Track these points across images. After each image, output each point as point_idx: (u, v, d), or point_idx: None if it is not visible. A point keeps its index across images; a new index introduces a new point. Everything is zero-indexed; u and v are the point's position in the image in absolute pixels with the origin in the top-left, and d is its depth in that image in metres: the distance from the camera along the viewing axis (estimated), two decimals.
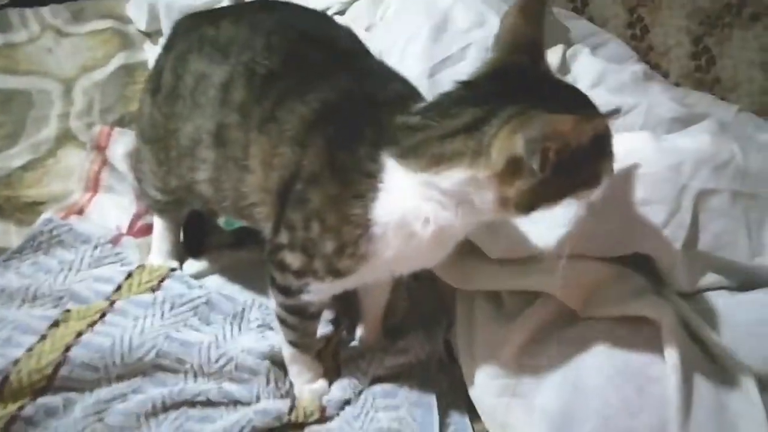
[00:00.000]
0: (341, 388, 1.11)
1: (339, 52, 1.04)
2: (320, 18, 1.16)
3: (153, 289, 1.20)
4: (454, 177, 0.81)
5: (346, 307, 1.22)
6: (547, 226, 1.05)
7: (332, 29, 1.11)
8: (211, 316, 1.18)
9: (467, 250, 1.10)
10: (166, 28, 1.66)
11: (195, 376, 1.08)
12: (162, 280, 1.22)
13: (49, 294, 1.16)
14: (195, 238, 1.35)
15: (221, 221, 1.37)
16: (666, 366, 0.96)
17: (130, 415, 1.02)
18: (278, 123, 0.95)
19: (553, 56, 1.33)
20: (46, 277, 1.20)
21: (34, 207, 1.39)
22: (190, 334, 1.12)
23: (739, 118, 1.39)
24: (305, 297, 1.00)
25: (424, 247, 0.89)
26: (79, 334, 1.07)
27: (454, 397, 1.14)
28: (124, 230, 1.35)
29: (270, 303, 1.08)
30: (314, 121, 0.94)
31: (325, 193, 0.91)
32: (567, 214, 1.03)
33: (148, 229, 1.33)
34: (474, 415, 1.11)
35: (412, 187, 0.85)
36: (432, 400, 1.11)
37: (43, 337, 1.07)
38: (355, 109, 0.94)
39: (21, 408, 0.99)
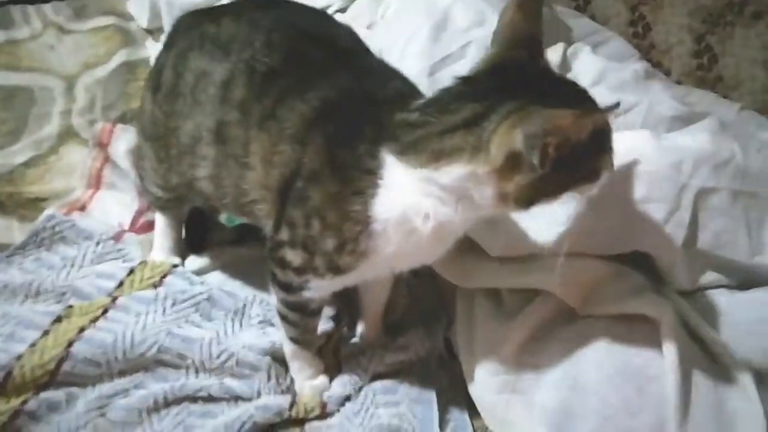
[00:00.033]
0: (342, 384, 1.11)
1: (339, 50, 1.04)
2: (320, 16, 1.16)
3: (155, 286, 1.20)
4: (453, 172, 0.81)
5: (347, 303, 1.23)
6: (546, 224, 1.05)
7: (332, 27, 1.11)
8: (212, 313, 1.18)
9: (467, 248, 1.10)
10: (168, 25, 1.66)
11: (196, 371, 1.09)
12: (164, 277, 1.22)
13: (51, 290, 1.16)
14: (197, 234, 1.35)
15: (223, 218, 1.38)
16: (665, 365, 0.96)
17: (132, 410, 1.02)
18: (278, 120, 0.95)
19: (553, 54, 1.33)
20: (49, 273, 1.21)
21: (36, 203, 1.39)
22: (191, 330, 1.13)
23: (741, 117, 1.39)
24: (306, 294, 1.00)
25: (424, 243, 0.89)
26: (82, 330, 1.08)
27: (454, 393, 1.14)
28: (126, 227, 1.36)
29: (271, 299, 1.08)
30: (314, 118, 0.94)
31: (326, 190, 0.91)
32: (566, 212, 1.03)
33: (150, 226, 1.34)
34: (474, 412, 1.12)
35: (411, 184, 0.85)
36: (432, 396, 1.11)
37: (46, 333, 1.07)
38: (355, 106, 0.94)
39: (24, 402, 1.00)
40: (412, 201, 0.86)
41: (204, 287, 1.22)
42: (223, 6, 1.23)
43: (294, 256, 0.97)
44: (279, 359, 1.12)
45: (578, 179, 0.84)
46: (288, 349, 1.10)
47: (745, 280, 1.07)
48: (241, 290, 1.25)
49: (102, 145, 1.47)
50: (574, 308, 1.08)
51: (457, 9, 1.38)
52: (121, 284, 1.20)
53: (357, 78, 0.98)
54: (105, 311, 1.12)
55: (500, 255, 1.11)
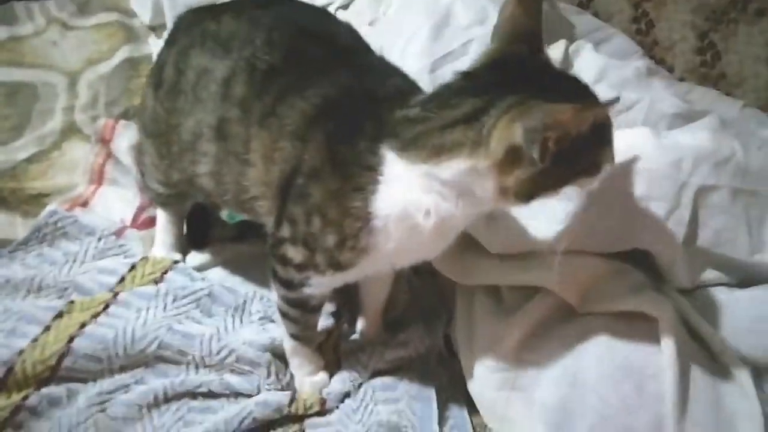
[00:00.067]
0: (341, 380, 1.11)
1: (339, 47, 1.04)
2: (320, 14, 1.16)
3: (156, 281, 1.21)
4: (454, 167, 0.81)
5: (347, 300, 1.23)
6: (546, 221, 1.05)
7: (332, 25, 1.11)
8: (213, 309, 1.19)
9: (467, 245, 1.10)
10: (171, 21, 1.67)
11: (196, 367, 1.09)
12: (165, 273, 1.23)
13: (53, 285, 1.17)
14: (198, 230, 1.35)
15: (224, 214, 1.38)
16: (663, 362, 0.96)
17: (132, 405, 1.03)
18: (279, 118, 0.96)
19: (555, 52, 1.33)
20: (51, 269, 1.21)
21: (39, 199, 1.40)
22: (192, 326, 1.13)
23: (743, 114, 1.38)
24: (307, 290, 1.01)
25: (425, 238, 0.89)
26: (83, 326, 1.08)
27: (454, 390, 1.14)
28: (128, 223, 1.36)
29: (271, 296, 1.08)
30: (314, 116, 0.94)
31: (326, 187, 0.91)
32: (566, 210, 1.03)
33: (151, 222, 1.34)
34: (473, 409, 1.12)
35: (412, 180, 0.85)
36: (431, 393, 1.11)
37: (48, 328, 1.08)
38: (355, 104, 0.94)
39: (25, 398, 1.00)
40: (412, 197, 0.86)
41: (205, 283, 1.22)
42: (224, 3, 1.23)
43: (295, 253, 0.97)
44: (279, 355, 1.12)
45: (578, 173, 0.83)
46: (288, 345, 1.10)
47: (744, 278, 1.07)
48: (241, 286, 1.25)
49: (104, 141, 1.47)
50: (573, 306, 1.07)
51: (458, 6, 1.38)
52: (122, 280, 1.21)
53: (357, 75, 0.98)
54: (106, 307, 1.13)
55: (500, 252, 1.11)
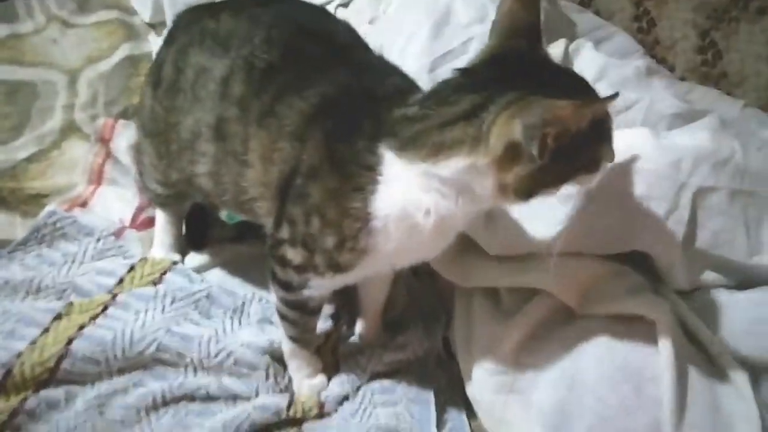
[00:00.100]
0: (340, 383, 1.11)
1: (337, 46, 1.04)
2: (319, 12, 1.16)
3: (155, 283, 1.21)
4: (454, 165, 0.81)
5: (346, 302, 1.23)
6: (545, 223, 1.05)
7: (331, 24, 1.11)
8: (211, 310, 1.18)
9: (466, 247, 1.10)
10: (171, 19, 1.66)
11: (195, 370, 1.09)
12: (164, 273, 1.23)
13: (52, 286, 1.17)
14: (197, 231, 1.35)
15: (223, 215, 1.38)
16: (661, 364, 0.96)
17: (131, 408, 1.03)
18: (277, 117, 0.95)
19: (555, 50, 1.33)
20: (50, 270, 1.21)
21: (38, 199, 1.40)
22: (190, 328, 1.13)
23: (744, 114, 1.38)
24: (306, 292, 1.01)
25: (425, 238, 0.89)
26: (82, 327, 1.08)
27: (452, 393, 1.14)
28: (127, 223, 1.36)
29: (270, 297, 1.08)
30: (313, 115, 0.94)
31: (325, 187, 0.91)
32: (565, 211, 1.03)
33: (150, 222, 1.34)
34: (471, 412, 1.12)
35: (411, 179, 0.85)
36: (430, 396, 1.11)
37: (46, 330, 1.08)
38: (354, 103, 0.93)
39: (23, 401, 1.00)
40: (412, 196, 0.86)
41: (203, 285, 1.22)
42: (223, 2, 1.22)
43: (294, 254, 0.97)
44: (277, 358, 1.12)
45: (578, 170, 0.83)
46: (287, 347, 1.10)
47: (743, 279, 1.07)
48: (240, 288, 1.25)
49: (104, 141, 1.47)
50: (572, 307, 1.07)
51: (458, 5, 1.37)
52: (121, 281, 1.21)
53: (355, 74, 0.97)
54: (105, 308, 1.13)
55: (499, 254, 1.10)
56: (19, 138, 1.54)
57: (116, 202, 1.40)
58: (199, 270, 1.28)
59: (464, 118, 0.80)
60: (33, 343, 1.05)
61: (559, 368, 1.03)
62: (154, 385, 1.06)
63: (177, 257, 1.29)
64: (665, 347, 0.97)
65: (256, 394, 1.08)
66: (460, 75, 0.87)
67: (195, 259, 1.31)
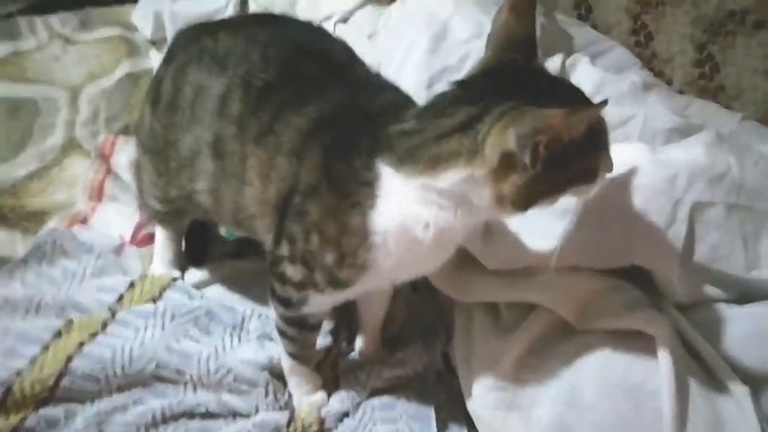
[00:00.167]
0: (340, 400, 1.11)
1: (334, 64, 1.04)
2: (315, 31, 1.16)
3: (154, 299, 1.21)
4: (451, 177, 0.81)
5: (346, 317, 1.23)
6: (543, 238, 1.05)
7: (327, 42, 1.12)
8: (211, 326, 1.18)
9: (465, 262, 1.10)
10: (171, 36, 1.67)
11: (194, 387, 1.09)
12: (163, 290, 1.23)
13: (52, 304, 1.17)
14: (197, 247, 1.36)
15: (223, 230, 1.38)
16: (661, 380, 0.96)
17: (130, 426, 1.03)
18: (275, 135, 0.96)
19: (552, 65, 1.33)
20: (50, 287, 1.22)
21: (39, 216, 1.41)
22: (189, 345, 1.13)
23: (742, 127, 1.37)
24: (305, 309, 1.01)
25: (425, 251, 0.89)
26: (81, 345, 1.08)
27: (452, 409, 1.14)
28: (128, 239, 1.36)
29: (270, 313, 1.08)
30: (310, 133, 0.94)
31: (323, 204, 0.91)
32: (563, 226, 1.03)
33: (150, 239, 1.34)
34: (472, 428, 1.12)
35: (409, 193, 0.85)
36: (430, 412, 1.11)
37: (46, 348, 1.08)
38: (351, 120, 0.94)
39: (23, 419, 1.01)
40: (411, 210, 0.86)
41: (203, 301, 1.22)
42: (222, 20, 1.24)
43: (294, 272, 0.97)
44: (277, 374, 1.12)
45: (574, 180, 0.83)
46: (286, 364, 1.10)
47: (742, 293, 1.06)
48: (240, 304, 1.25)
49: (104, 157, 1.48)
50: (571, 322, 1.07)
51: (456, 21, 1.38)
52: (121, 298, 1.21)
53: (352, 92, 0.98)
54: (104, 326, 1.13)
55: (497, 268, 1.10)
56: (21, 155, 1.55)
57: (117, 218, 1.40)
58: (199, 286, 1.29)
59: (460, 129, 0.81)
60: (33, 360, 1.05)
61: (559, 384, 1.02)
62: (153, 402, 1.06)
63: (177, 273, 1.29)
64: (665, 362, 0.96)
65: (256, 411, 1.08)
66: (457, 87, 0.87)
67: (195, 275, 1.31)
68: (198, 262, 1.34)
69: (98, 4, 2.03)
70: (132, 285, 1.23)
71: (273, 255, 1.00)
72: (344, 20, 1.69)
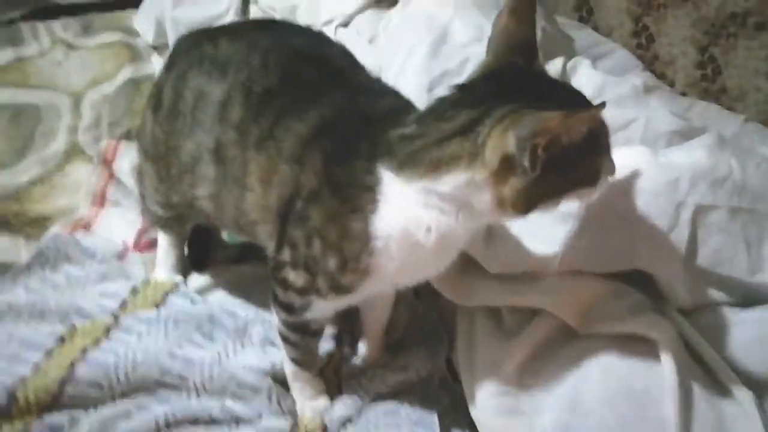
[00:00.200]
0: (343, 405, 1.11)
1: (334, 69, 1.04)
2: (315, 36, 1.16)
3: (157, 305, 1.21)
4: (452, 180, 0.81)
5: (348, 323, 1.23)
6: (545, 242, 1.04)
7: (327, 47, 1.12)
8: (213, 332, 1.18)
9: (467, 266, 1.10)
10: (173, 41, 1.68)
11: (197, 393, 1.09)
12: (166, 295, 1.23)
13: (56, 310, 1.17)
14: (200, 252, 1.36)
15: (225, 235, 1.38)
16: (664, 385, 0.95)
17: None
18: (276, 141, 0.96)
19: (552, 69, 1.33)
20: (53, 293, 1.22)
21: (41, 222, 1.42)
22: (192, 350, 1.13)
23: (745, 129, 1.37)
24: (308, 314, 1.01)
25: (427, 256, 0.89)
26: (84, 351, 1.08)
27: (456, 415, 1.13)
28: (130, 245, 1.37)
29: (272, 318, 1.08)
30: (311, 138, 0.94)
31: (325, 209, 0.91)
32: (565, 230, 1.03)
33: (153, 244, 1.35)
34: None
35: (411, 197, 0.85)
36: (433, 418, 1.10)
37: (50, 354, 1.08)
38: (351, 125, 0.94)
39: (27, 426, 1.00)
40: (412, 215, 0.86)
41: (206, 307, 1.22)
42: (222, 26, 1.24)
43: (296, 277, 0.97)
44: (280, 380, 1.12)
45: (575, 183, 0.82)
46: (289, 369, 1.10)
47: (745, 297, 1.06)
48: (242, 309, 1.25)
49: (107, 163, 1.48)
50: (573, 327, 1.07)
51: (456, 25, 1.38)
52: (124, 303, 1.21)
53: (352, 96, 0.98)
54: (108, 331, 1.13)
55: (499, 273, 1.10)
56: (23, 161, 1.56)
57: (119, 224, 1.41)
58: (202, 291, 1.29)
59: (461, 133, 0.81)
60: (36, 367, 1.05)
61: (562, 389, 1.02)
62: (157, 408, 1.06)
63: (179, 279, 1.30)
64: (668, 366, 0.96)
65: (260, 417, 1.08)
66: (458, 91, 0.87)
67: (197, 280, 1.31)
68: (200, 268, 1.34)
69: (100, 10, 2.03)
70: (135, 290, 1.23)
71: (275, 260, 1.00)
72: (345, 24, 1.69)
